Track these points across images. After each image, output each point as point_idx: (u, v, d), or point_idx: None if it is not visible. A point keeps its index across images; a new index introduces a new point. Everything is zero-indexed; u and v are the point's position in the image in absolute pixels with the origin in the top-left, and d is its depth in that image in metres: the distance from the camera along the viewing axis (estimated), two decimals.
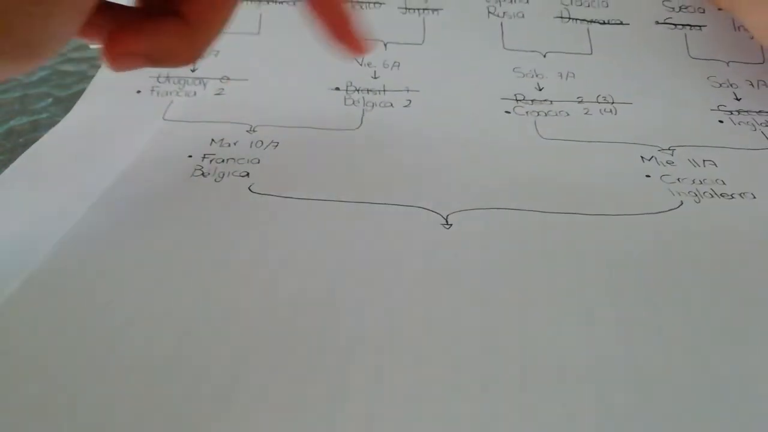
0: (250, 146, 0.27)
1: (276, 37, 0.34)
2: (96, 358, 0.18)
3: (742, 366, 0.18)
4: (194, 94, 0.31)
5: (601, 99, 0.31)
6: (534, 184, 0.25)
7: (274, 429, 0.16)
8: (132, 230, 0.22)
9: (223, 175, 0.25)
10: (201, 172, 0.25)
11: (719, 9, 0.34)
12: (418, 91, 0.31)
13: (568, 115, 0.30)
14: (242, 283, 0.20)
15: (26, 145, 0.27)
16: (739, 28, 0.34)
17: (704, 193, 0.24)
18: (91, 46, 0.36)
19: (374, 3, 0.36)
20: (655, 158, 0.26)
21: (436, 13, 0.35)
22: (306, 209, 0.23)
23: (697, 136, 0.28)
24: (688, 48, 0.34)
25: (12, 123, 0.30)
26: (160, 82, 0.32)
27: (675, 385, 0.17)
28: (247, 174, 0.25)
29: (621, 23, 0.35)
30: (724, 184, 0.25)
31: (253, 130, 0.28)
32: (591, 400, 0.17)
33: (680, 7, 0.35)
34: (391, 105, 0.30)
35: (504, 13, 0.35)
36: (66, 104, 0.30)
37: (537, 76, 0.32)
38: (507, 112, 0.30)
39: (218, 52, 0.33)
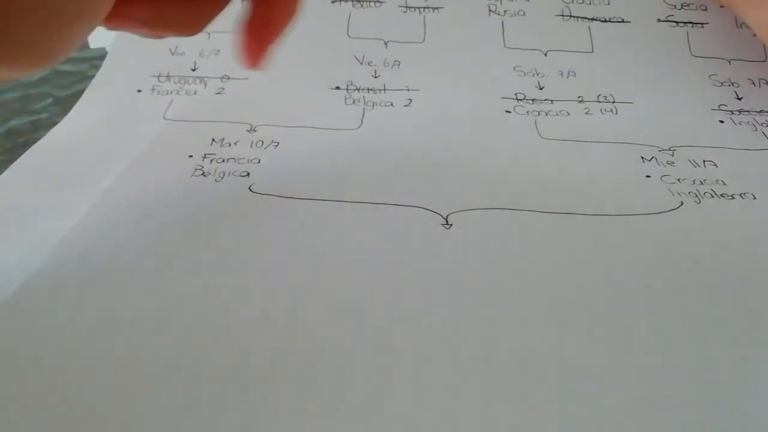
0: (251, 146, 0.27)
1: None
2: (96, 358, 0.18)
3: (742, 366, 0.18)
4: (195, 93, 0.31)
5: (601, 98, 0.31)
6: (534, 184, 0.25)
7: (273, 429, 0.16)
8: (132, 230, 0.22)
9: (224, 174, 0.25)
10: (201, 172, 0.25)
11: (721, 6, 0.34)
12: (418, 90, 0.31)
13: (568, 114, 0.29)
14: (242, 282, 0.20)
15: (26, 145, 0.27)
16: (741, 25, 0.34)
17: (705, 193, 0.24)
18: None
19: (374, 2, 0.36)
20: (656, 158, 0.26)
21: (436, 11, 0.35)
22: (306, 209, 0.23)
23: (698, 136, 0.28)
24: (689, 46, 0.34)
25: (12, 123, 0.30)
26: (160, 81, 0.32)
27: (675, 386, 0.17)
28: (248, 174, 0.25)
29: (622, 21, 0.35)
30: (724, 184, 0.25)
31: (254, 130, 0.28)
32: (591, 400, 0.17)
33: (682, 5, 0.35)
34: (392, 104, 0.30)
35: (505, 11, 0.35)
36: (66, 104, 0.30)
37: (538, 74, 0.32)
38: (507, 111, 0.30)
39: (219, 50, 0.33)
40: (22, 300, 0.19)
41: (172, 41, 0.34)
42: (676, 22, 0.34)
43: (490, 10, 0.35)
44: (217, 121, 0.29)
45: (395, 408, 0.17)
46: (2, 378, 0.17)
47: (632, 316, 0.19)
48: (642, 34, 0.34)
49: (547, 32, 0.34)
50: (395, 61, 0.33)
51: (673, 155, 0.26)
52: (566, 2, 0.35)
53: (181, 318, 0.19)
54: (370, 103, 0.30)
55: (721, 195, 0.24)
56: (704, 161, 0.26)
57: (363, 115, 0.29)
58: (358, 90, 0.31)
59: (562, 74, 0.32)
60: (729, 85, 0.31)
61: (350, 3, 0.35)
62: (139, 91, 0.31)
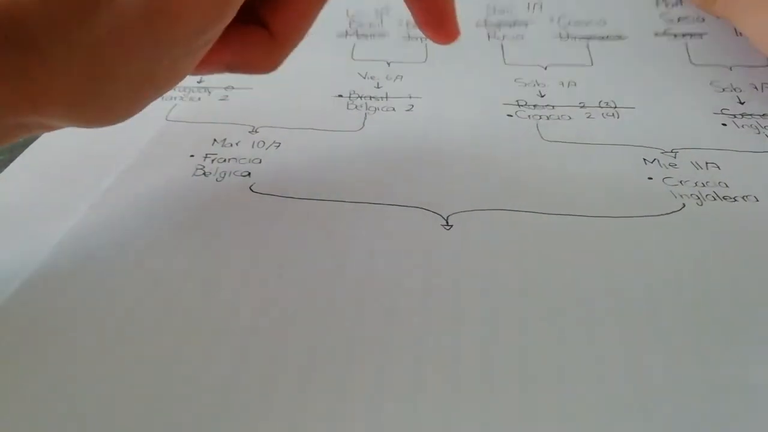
0: (252, 146, 0.27)
1: None
2: (96, 358, 0.18)
3: (743, 368, 0.17)
4: (198, 99, 0.31)
5: (603, 104, 0.31)
6: (535, 185, 0.25)
7: (273, 429, 0.16)
8: (133, 229, 0.22)
9: (225, 174, 0.25)
10: (202, 172, 0.25)
11: (718, 17, 0.34)
12: (420, 97, 0.31)
13: (570, 119, 0.30)
14: (242, 282, 0.20)
15: (26, 145, 0.27)
16: (740, 33, 0.34)
17: (707, 195, 0.24)
18: None
19: (378, 35, 0.37)
20: (658, 161, 0.26)
21: None
22: (307, 209, 0.23)
23: (700, 138, 0.28)
24: (689, 55, 0.34)
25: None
26: None
27: (676, 387, 0.17)
28: (249, 174, 0.25)
29: (620, 38, 0.35)
30: (726, 186, 0.25)
31: (255, 131, 0.28)
32: (591, 400, 0.17)
33: (678, 18, 0.36)
34: (393, 109, 0.30)
35: (504, 36, 0.36)
36: None
37: (538, 84, 0.33)
38: (509, 115, 0.30)
39: None
40: (22, 300, 0.19)
41: None
42: (674, 35, 0.35)
43: (489, 36, 0.36)
44: (219, 122, 0.29)
45: (395, 408, 0.16)
46: (2, 378, 0.17)
47: (633, 318, 0.19)
48: (640, 48, 0.35)
49: (546, 51, 0.35)
50: (398, 75, 0.34)
51: (675, 157, 0.26)
52: (563, 25, 0.36)
53: (182, 317, 0.19)
54: (372, 108, 0.31)
55: (723, 197, 0.24)
56: (707, 163, 0.26)
57: (365, 118, 0.30)
58: (361, 98, 0.31)
59: (562, 84, 0.33)
60: (731, 91, 0.31)
61: (354, 36, 0.37)
62: None
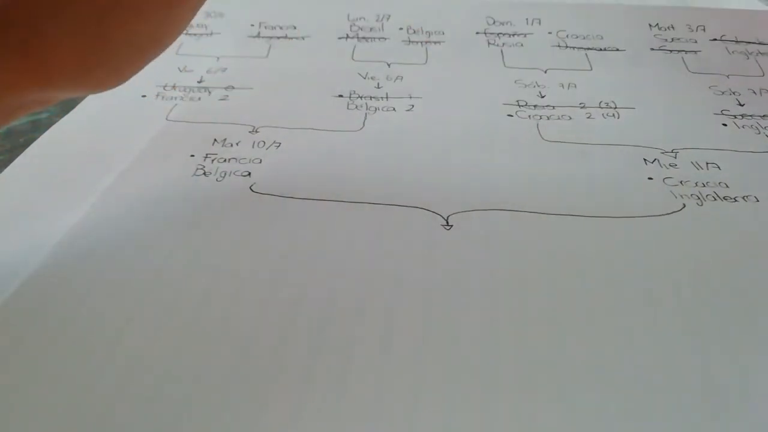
0: (252, 146, 0.27)
1: (283, 59, 0.35)
2: (96, 357, 0.18)
3: (744, 369, 0.17)
4: (199, 100, 0.31)
5: (603, 104, 0.31)
6: (535, 185, 0.25)
7: (273, 428, 0.16)
8: (133, 229, 0.22)
9: (225, 174, 0.25)
10: (203, 172, 0.25)
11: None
12: (420, 97, 0.32)
13: (570, 119, 0.30)
14: (243, 282, 0.20)
15: (26, 145, 0.27)
16: (733, 52, 0.35)
17: (707, 195, 0.24)
18: None
19: (379, 38, 0.37)
20: (658, 161, 0.26)
21: (438, 44, 0.37)
22: (307, 209, 0.23)
23: (701, 138, 0.28)
24: (686, 65, 0.35)
25: (12, 123, 0.30)
26: (165, 90, 0.32)
27: (675, 388, 0.17)
28: (249, 174, 0.25)
29: (618, 50, 0.36)
30: (727, 186, 0.25)
31: (256, 131, 0.28)
32: (590, 400, 0.17)
33: (672, 38, 0.37)
34: (394, 109, 0.30)
35: (503, 43, 0.37)
36: (66, 104, 0.31)
37: (538, 86, 0.33)
38: (509, 115, 0.30)
39: (226, 69, 0.34)
40: (22, 300, 0.19)
41: (181, 61, 0.35)
42: (670, 50, 0.36)
43: (489, 43, 0.37)
44: (219, 122, 0.29)
45: (395, 408, 0.16)
46: (2, 378, 0.17)
47: (633, 318, 0.19)
48: (638, 58, 0.35)
49: (546, 57, 0.35)
50: (398, 76, 0.34)
51: (675, 157, 0.26)
52: (561, 36, 0.37)
53: (182, 317, 0.19)
54: (373, 108, 0.31)
55: (723, 197, 0.24)
56: (707, 163, 0.26)
57: (365, 118, 0.30)
58: (361, 98, 0.32)
59: (563, 86, 0.33)
60: (730, 94, 0.32)
61: (355, 39, 0.37)
62: (144, 96, 0.31)
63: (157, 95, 0.32)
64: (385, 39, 0.37)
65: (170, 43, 0.19)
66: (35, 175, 0.25)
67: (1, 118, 0.18)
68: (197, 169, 0.26)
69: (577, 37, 0.37)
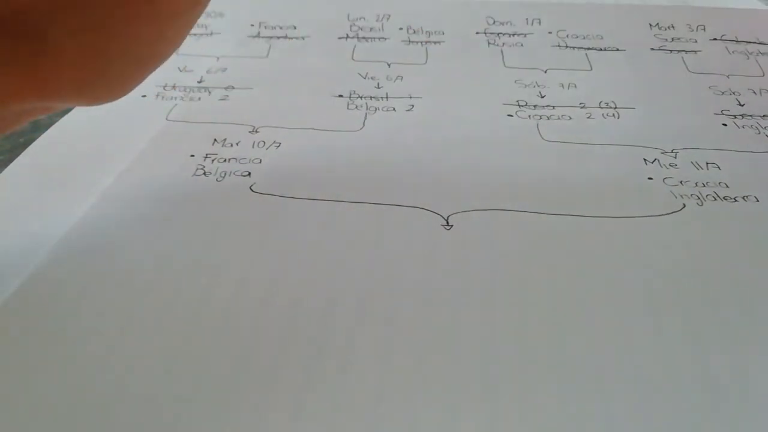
0: (252, 146, 0.27)
1: (283, 60, 0.35)
2: (96, 357, 0.18)
3: (743, 370, 0.17)
4: (199, 100, 0.31)
5: (603, 104, 0.31)
6: (535, 185, 0.25)
7: (273, 428, 0.16)
8: (133, 229, 0.22)
9: (225, 174, 0.25)
10: (203, 172, 0.25)
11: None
12: (420, 97, 0.32)
13: (570, 119, 0.30)
14: (243, 282, 0.20)
15: (26, 145, 0.27)
16: (733, 52, 0.35)
17: (707, 195, 0.24)
18: None
19: (379, 38, 0.37)
20: (658, 161, 0.26)
21: (438, 44, 0.37)
22: (307, 209, 0.23)
23: (701, 138, 0.28)
24: (686, 65, 0.35)
25: None
26: (165, 90, 0.32)
27: (675, 389, 0.17)
28: (249, 174, 0.25)
29: (618, 50, 0.36)
30: (727, 187, 0.25)
31: (256, 131, 0.28)
32: (591, 402, 0.17)
33: (672, 38, 0.37)
34: (394, 109, 0.30)
35: (503, 43, 0.37)
36: None
37: (538, 86, 0.33)
38: (509, 115, 0.30)
39: (226, 69, 0.34)
40: (22, 300, 0.19)
41: (181, 61, 0.35)
42: (670, 50, 0.36)
43: (489, 43, 0.37)
44: (219, 122, 0.29)
45: (395, 408, 0.16)
46: (2, 378, 0.17)
47: (633, 318, 0.19)
48: (638, 58, 0.35)
49: (546, 57, 0.36)
50: (398, 76, 0.34)
51: (675, 157, 0.26)
52: (561, 36, 0.37)
53: (182, 317, 0.19)
54: (373, 108, 0.31)
55: (723, 197, 0.24)
56: (707, 163, 0.26)
57: (365, 118, 0.30)
58: (361, 98, 0.32)
59: (563, 86, 0.33)
60: (730, 94, 0.32)
61: (355, 39, 0.37)
62: (144, 96, 0.31)
63: (157, 95, 0.32)
64: (385, 39, 0.37)
65: (168, 56, 0.19)
66: (35, 175, 0.25)
67: (4, 125, 0.18)
68: (197, 169, 0.26)
69: (577, 37, 0.37)
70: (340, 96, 0.32)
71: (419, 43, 0.37)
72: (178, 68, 0.34)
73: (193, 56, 0.36)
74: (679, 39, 0.36)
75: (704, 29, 0.37)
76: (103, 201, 0.24)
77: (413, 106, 0.31)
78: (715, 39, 0.36)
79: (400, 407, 0.16)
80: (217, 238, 0.22)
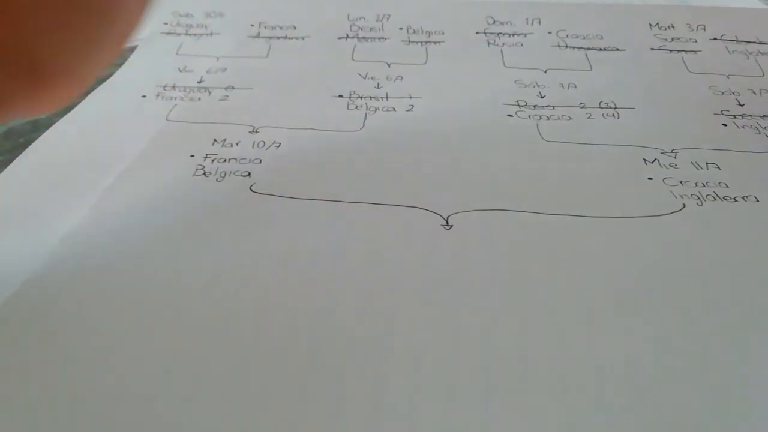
0: (252, 146, 0.27)
1: (283, 59, 0.35)
2: (96, 357, 0.18)
3: (743, 370, 0.17)
4: (199, 100, 0.31)
5: (603, 105, 0.31)
6: (535, 185, 0.25)
7: (273, 428, 0.16)
8: (133, 229, 0.22)
9: (225, 174, 0.25)
10: (203, 172, 0.25)
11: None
12: (420, 98, 0.32)
13: (570, 119, 0.30)
14: (242, 282, 0.20)
15: (26, 145, 0.27)
16: (733, 51, 0.35)
17: (707, 195, 0.24)
18: None
19: (379, 38, 0.37)
20: (658, 161, 0.26)
21: (437, 44, 0.37)
22: (307, 209, 0.23)
23: (701, 139, 0.28)
24: (686, 65, 0.35)
25: (12, 123, 0.30)
26: (165, 90, 0.32)
27: (675, 389, 0.17)
28: (249, 174, 0.25)
29: (617, 50, 0.36)
30: (727, 186, 0.25)
31: (256, 131, 0.28)
32: (591, 402, 0.17)
33: (672, 38, 0.37)
34: (394, 110, 0.30)
35: (503, 43, 0.37)
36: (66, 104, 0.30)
37: (538, 86, 0.33)
38: (509, 115, 0.30)
39: (226, 69, 0.34)
40: (23, 300, 0.19)
41: (181, 61, 0.35)
42: (669, 50, 0.36)
43: (489, 43, 0.37)
44: (219, 122, 0.29)
45: (395, 408, 0.16)
46: (2, 378, 0.17)
47: (633, 318, 0.19)
48: (638, 58, 0.35)
49: (545, 57, 0.36)
50: (398, 76, 0.34)
51: (675, 157, 0.26)
52: (561, 36, 0.37)
53: (182, 317, 0.19)
54: (372, 108, 0.31)
55: (723, 197, 0.24)
56: (707, 163, 0.26)
57: (365, 119, 0.30)
58: (361, 98, 0.32)
59: (562, 86, 0.33)
60: (730, 95, 0.32)
61: (355, 39, 0.37)
62: (144, 96, 0.31)
63: (157, 95, 0.32)
64: (385, 39, 0.37)
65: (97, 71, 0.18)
66: (35, 175, 0.25)
67: None
68: (197, 169, 0.26)
69: (577, 37, 0.37)
70: (340, 96, 0.32)
71: (419, 43, 0.37)
72: (178, 68, 0.34)
73: (193, 56, 0.36)
74: (679, 39, 0.36)
75: (704, 29, 0.37)
76: (103, 201, 0.24)
77: (413, 106, 0.31)
78: (715, 39, 0.36)
79: (399, 407, 0.16)
80: (217, 238, 0.22)
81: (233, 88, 0.32)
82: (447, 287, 0.20)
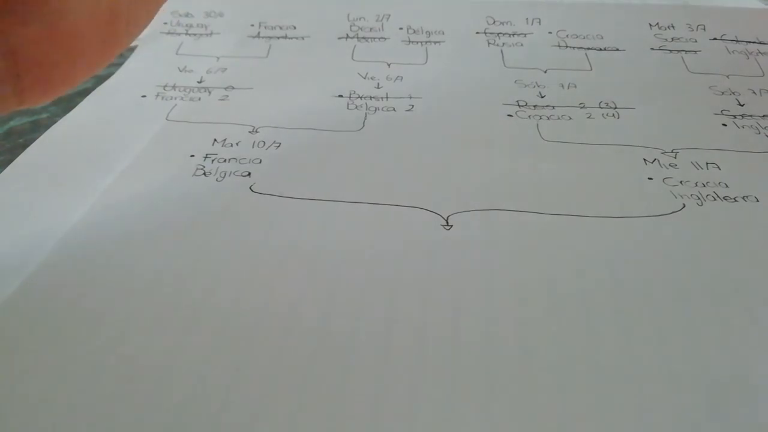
0: (252, 146, 0.27)
1: (283, 59, 0.35)
2: (96, 357, 0.18)
3: (744, 369, 0.17)
4: (199, 100, 0.31)
5: (603, 105, 0.31)
6: (535, 185, 0.25)
7: (273, 428, 0.16)
8: (133, 229, 0.22)
9: (225, 174, 0.25)
10: (203, 172, 0.25)
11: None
12: (420, 97, 0.32)
13: (570, 119, 0.30)
14: (242, 282, 0.20)
15: (26, 145, 0.27)
16: (733, 51, 0.35)
17: (707, 195, 0.24)
18: None
19: (379, 38, 0.37)
20: (658, 161, 0.26)
21: (438, 44, 0.37)
22: (307, 209, 0.23)
23: (701, 139, 0.28)
24: (686, 65, 0.35)
25: (12, 123, 0.30)
26: (165, 90, 0.32)
27: (675, 389, 0.17)
28: (249, 174, 0.25)
29: (617, 50, 0.36)
30: (727, 186, 0.24)
31: (256, 131, 0.28)
32: (591, 400, 0.16)
33: (672, 38, 0.37)
34: (394, 109, 0.30)
35: (503, 43, 0.37)
36: (66, 104, 0.31)
37: (538, 86, 0.33)
38: (509, 115, 0.30)
39: (225, 69, 0.34)
40: (23, 299, 0.19)
41: (181, 61, 0.35)
42: (670, 50, 0.36)
43: (489, 43, 0.37)
44: (219, 122, 0.29)
45: (395, 408, 0.16)
46: (2, 378, 0.17)
47: (633, 318, 0.19)
48: (638, 58, 0.35)
49: (545, 57, 0.36)
50: (398, 76, 0.34)
51: (675, 157, 0.26)
52: (561, 36, 0.37)
53: (181, 317, 0.19)
54: (372, 108, 0.31)
55: (723, 197, 0.24)
56: (707, 163, 0.26)
57: (365, 118, 0.30)
58: (361, 98, 0.32)
59: (562, 86, 0.33)
60: (730, 94, 0.32)
61: (355, 39, 0.37)
62: (144, 96, 0.31)
63: (157, 95, 0.32)
64: (385, 39, 0.37)
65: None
66: (35, 175, 0.25)
67: None
68: (197, 169, 0.26)
69: (577, 37, 0.37)
70: (340, 96, 0.32)
71: (419, 43, 0.37)
72: (178, 68, 0.34)
73: (193, 56, 0.36)
74: (679, 39, 0.36)
75: (704, 29, 0.37)
76: (103, 201, 0.24)
77: (413, 106, 0.31)
78: (715, 39, 0.36)
79: (399, 407, 0.16)
80: (217, 238, 0.22)
81: (233, 88, 0.32)
82: (447, 287, 0.20)
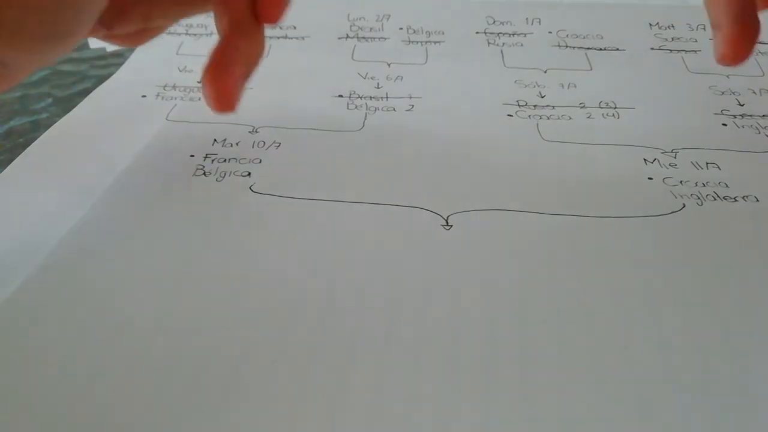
0: (252, 146, 0.27)
1: (283, 59, 0.35)
2: (97, 356, 0.18)
3: (744, 369, 0.17)
4: (199, 100, 0.31)
5: (603, 104, 0.31)
6: (535, 185, 0.25)
7: (273, 428, 0.16)
8: (133, 229, 0.22)
9: (225, 174, 0.25)
10: (203, 172, 0.25)
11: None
12: (420, 97, 0.32)
13: (570, 119, 0.30)
14: (242, 282, 0.20)
15: (26, 145, 0.27)
16: None
17: (707, 195, 0.24)
18: (108, 49, 0.37)
19: (378, 38, 0.38)
20: (658, 161, 0.26)
21: (437, 44, 0.37)
22: (306, 209, 0.23)
23: (701, 138, 0.28)
24: (686, 65, 0.35)
25: (12, 123, 0.30)
26: (165, 90, 0.32)
27: (675, 389, 0.17)
28: (249, 174, 0.25)
29: (617, 49, 0.36)
30: (727, 186, 0.25)
31: (256, 131, 0.28)
32: (591, 400, 0.17)
33: (672, 38, 0.37)
34: (394, 109, 0.30)
35: (503, 43, 0.37)
36: (66, 104, 0.31)
37: (539, 86, 0.33)
38: (509, 115, 0.30)
39: None
40: (23, 299, 0.19)
41: (181, 61, 0.35)
42: (670, 50, 0.36)
43: (489, 42, 0.37)
44: (219, 122, 0.29)
45: (395, 408, 0.16)
46: (2, 377, 0.17)
47: (633, 318, 0.19)
48: (638, 58, 0.35)
49: (545, 57, 0.36)
50: (398, 76, 0.34)
51: (675, 157, 0.26)
52: (561, 36, 0.37)
53: (181, 317, 0.19)
54: (372, 108, 0.31)
55: (723, 197, 0.24)
56: (707, 163, 0.26)
57: (365, 118, 0.30)
58: (361, 98, 0.32)
59: (562, 86, 0.33)
60: (730, 94, 0.32)
61: (355, 39, 0.37)
62: (144, 96, 0.32)
63: (157, 95, 0.32)
64: (385, 39, 0.37)
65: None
66: (35, 175, 0.25)
67: None
68: (197, 169, 0.26)
69: (577, 36, 0.37)
70: (340, 96, 0.32)
71: (419, 43, 0.37)
72: (178, 68, 0.34)
73: (193, 56, 0.36)
74: (679, 39, 0.37)
75: (704, 29, 0.37)
76: (103, 201, 0.24)
77: (413, 106, 0.31)
78: None
79: (399, 407, 0.16)
80: (217, 238, 0.22)
81: None
82: (447, 287, 0.20)
